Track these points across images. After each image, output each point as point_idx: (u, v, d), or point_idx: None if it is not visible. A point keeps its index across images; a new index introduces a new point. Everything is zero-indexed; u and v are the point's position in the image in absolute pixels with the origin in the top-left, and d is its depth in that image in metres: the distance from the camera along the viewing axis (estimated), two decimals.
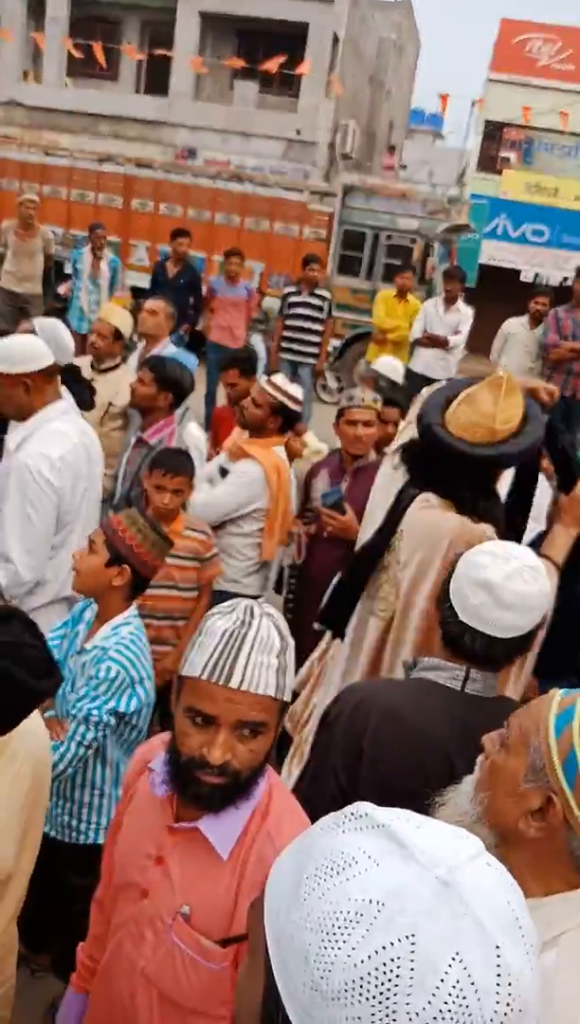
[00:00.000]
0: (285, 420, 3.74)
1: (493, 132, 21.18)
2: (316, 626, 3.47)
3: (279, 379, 3.78)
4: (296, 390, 3.80)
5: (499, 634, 1.68)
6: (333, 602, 2.69)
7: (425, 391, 2.54)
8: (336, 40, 19.29)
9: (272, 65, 15.31)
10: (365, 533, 2.59)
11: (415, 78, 30.51)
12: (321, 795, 1.73)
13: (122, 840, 1.53)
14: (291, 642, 1.36)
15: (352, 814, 0.72)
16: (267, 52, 19.00)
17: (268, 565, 3.94)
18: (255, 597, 3.75)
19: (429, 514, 2.30)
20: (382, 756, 1.71)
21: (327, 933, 0.63)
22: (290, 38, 18.97)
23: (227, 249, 8.97)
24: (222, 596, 3.59)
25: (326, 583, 3.41)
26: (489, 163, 21.35)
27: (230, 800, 1.35)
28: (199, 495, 3.63)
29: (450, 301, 8.66)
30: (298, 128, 18.97)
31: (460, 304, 8.67)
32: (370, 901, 0.63)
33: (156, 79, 20.12)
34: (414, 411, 2.50)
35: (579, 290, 7.20)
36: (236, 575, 3.78)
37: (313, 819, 1.53)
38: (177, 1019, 1.41)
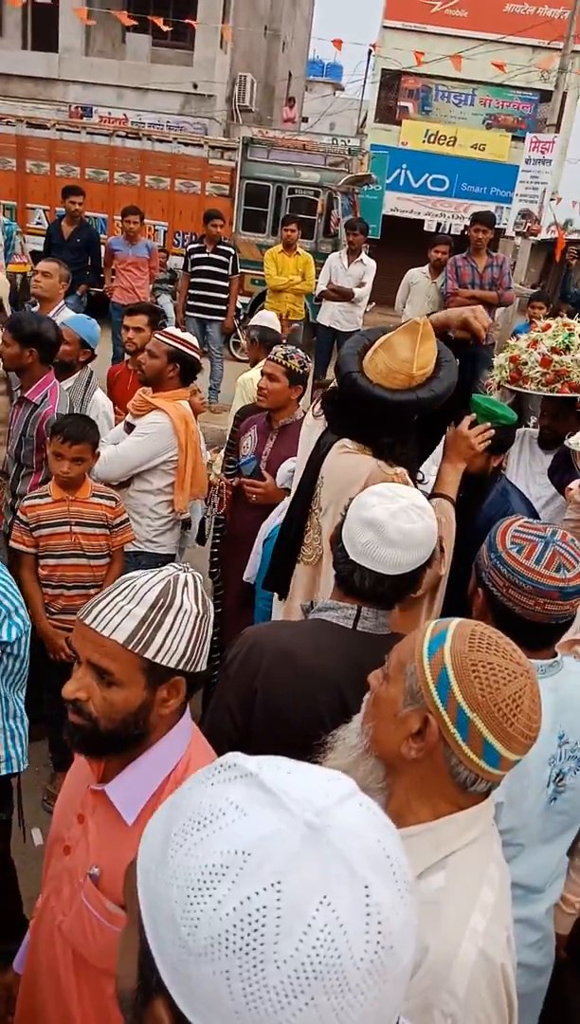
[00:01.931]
0: (185, 369, 3.71)
1: (390, 81, 21.18)
2: (246, 577, 3.57)
3: (171, 328, 3.78)
4: (190, 337, 3.79)
5: (386, 571, 1.73)
6: (274, 563, 2.68)
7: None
8: None
9: (160, 20, 14.90)
10: (296, 484, 2.62)
11: (311, 28, 30.05)
12: (217, 735, 1.74)
13: (61, 795, 1.57)
14: (206, 611, 1.37)
15: (221, 765, 0.71)
16: (158, 3, 18.50)
17: (182, 522, 3.95)
18: (171, 556, 3.87)
19: (347, 458, 2.34)
20: (275, 695, 1.74)
21: (193, 888, 0.63)
22: None
23: (124, 208, 8.82)
24: (137, 557, 3.66)
25: (250, 535, 3.52)
26: (388, 113, 21.40)
27: (95, 749, 1.37)
28: (104, 452, 3.60)
29: (353, 253, 8.75)
30: (195, 82, 18.57)
31: (364, 256, 8.77)
32: (236, 852, 0.63)
33: (44, 35, 19.33)
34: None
35: (474, 237, 7.37)
36: (150, 535, 3.76)
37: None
38: (91, 978, 1.42)
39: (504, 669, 1.15)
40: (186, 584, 1.35)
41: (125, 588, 1.32)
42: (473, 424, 2.51)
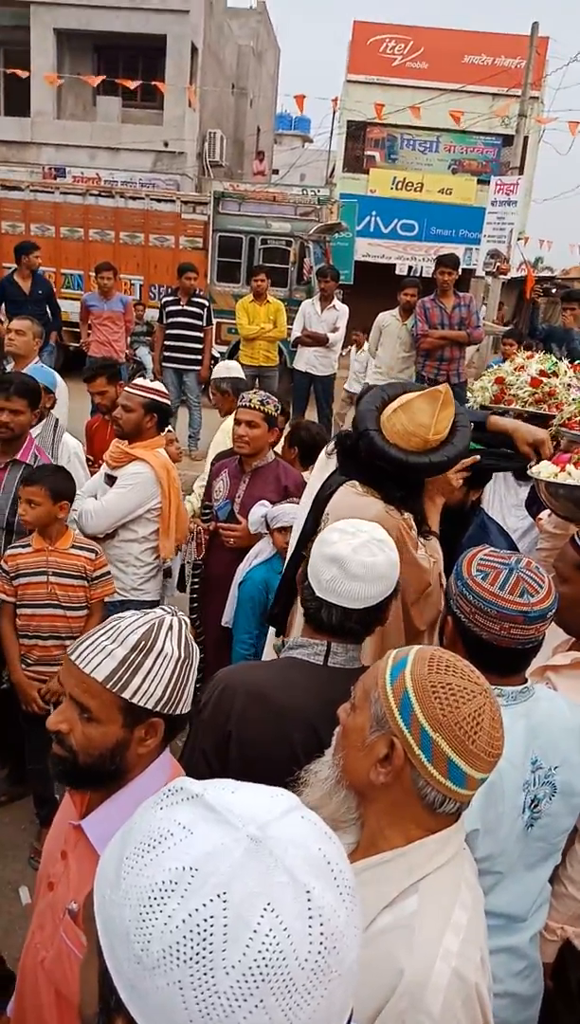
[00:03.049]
0: (161, 418, 3.78)
1: (356, 132, 21.82)
2: (223, 622, 3.58)
3: (140, 380, 3.83)
4: (158, 385, 3.85)
5: (352, 605, 1.75)
6: (278, 599, 2.69)
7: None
8: (194, 50, 19.47)
9: (130, 82, 15.36)
10: (302, 521, 2.63)
11: (277, 84, 30.96)
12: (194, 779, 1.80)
13: (49, 834, 1.60)
14: (188, 656, 1.39)
15: (169, 790, 0.74)
16: (127, 66, 19.08)
17: (165, 569, 3.96)
18: (156, 602, 3.88)
19: (355, 499, 2.36)
20: (249, 737, 1.74)
21: (144, 906, 0.65)
22: (149, 51, 19.07)
23: (97, 264, 8.97)
24: (123, 606, 3.60)
25: (227, 579, 3.54)
26: (355, 163, 21.99)
27: (74, 781, 1.42)
28: (86, 504, 3.63)
29: (326, 299, 8.93)
30: (165, 140, 19.06)
31: (337, 302, 8.95)
32: (184, 868, 0.65)
33: (16, 100, 19.86)
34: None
35: (440, 280, 7.53)
36: (136, 583, 3.76)
37: None
38: (72, 1016, 1.39)
39: (463, 689, 1.18)
40: (170, 628, 1.37)
41: (110, 628, 1.36)
42: None
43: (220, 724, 1.77)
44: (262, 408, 3.63)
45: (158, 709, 1.35)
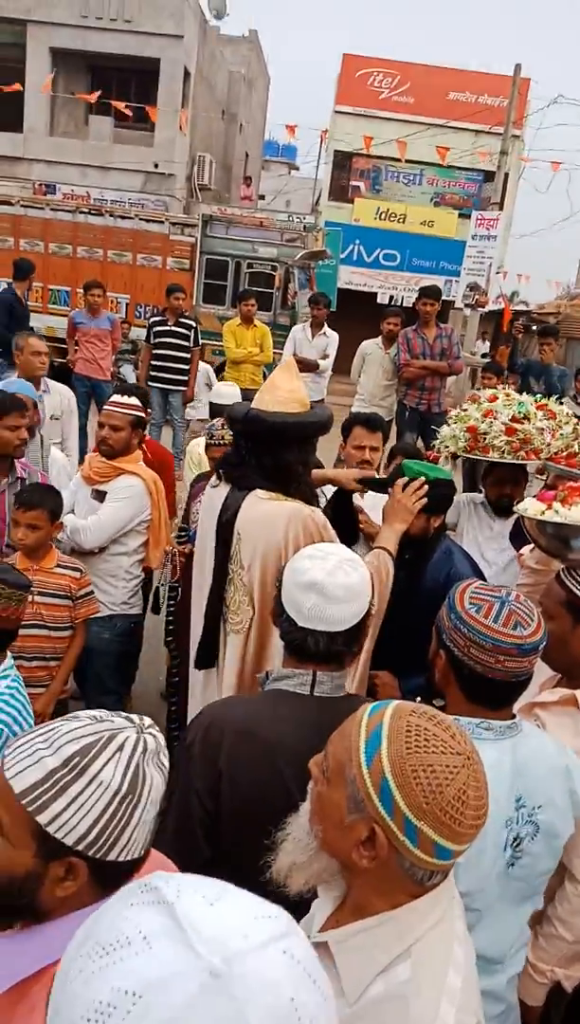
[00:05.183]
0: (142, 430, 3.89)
1: (342, 162, 22.13)
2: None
3: (117, 398, 3.83)
4: (133, 400, 3.85)
5: (337, 628, 1.76)
6: (202, 639, 2.65)
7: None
8: (187, 75, 19.70)
9: (122, 104, 15.52)
10: (204, 563, 2.63)
11: (267, 111, 31.35)
12: (187, 823, 1.71)
13: None
14: (133, 791, 1.07)
15: (144, 885, 0.67)
16: (120, 87, 19.24)
17: (147, 583, 3.98)
18: (141, 616, 3.91)
19: (263, 505, 2.43)
20: (240, 773, 1.71)
21: (84, 1021, 0.59)
22: (142, 73, 19.26)
23: (86, 282, 9.03)
24: (112, 620, 3.69)
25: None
26: (341, 192, 22.29)
27: None
28: (80, 521, 3.63)
29: (317, 326, 8.98)
30: (155, 161, 19.22)
31: (327, 329, 9.02)
32: (127, 992, 0.58)
33: (9, 115, 19.93)
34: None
35: (422, 311, 7.67)
36: (125, 596, 3.78)
37: (183, 851, 1.56)
38: None
39: (445, 768, 1.11)
40: (120, 748, 1.06)
41: (50, 730, 1.08)
42: (405, 487, 2.65)
43: (210, 764, 1.74)
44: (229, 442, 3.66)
45: (79, 848, 1.04)
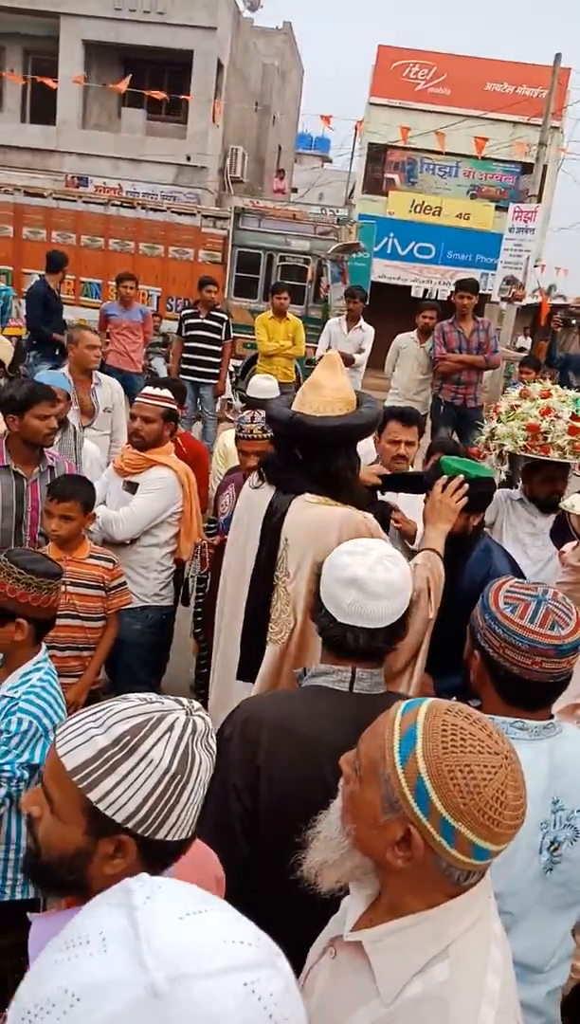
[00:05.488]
0: (175, 422, 3.88)
1: (377, 154, 21.99)
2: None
3: (149, 390, 3.86)
4: (165, 392, 3.87)
5: (378, 624, 1.73)
6: (243, 648, 2.57)
7: None
8: (220, 67, 19.66)
9: (157, 93, 15.52)
10: (245, 564, 2.54)
11: (300, 103, 31.22)
12: (225, 818, 1.69)
13: None
14: (182, 772, 1.08)
15: (124, 886, 0.66)
16: (153, 80, 19.26)
17: (178, 575, 3.99)
18: (173, 608, 3.92)
19: (312, 510, 2.34)
20: (279, 770, 1.70)
21: (27, 1012, 0.59)
22: (175, 65, 19.27)
23: (119, 274, 9.02)
24: (144, 612, 3.71)
25: None
26: (374, 184, 22.15)
27: (35, 879, 1.18)
28: (113, 512, 3.64)
29: (352, 320, 8.90)
30: (188, 154, 19.23)
31: (363, 323, 8.94)
32: (67, 991, 0.58)
33: (42, 108, 20.07)
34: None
35: (460, 304, 7.57)
36: (157, 588, 3.79)
37: (222, 846, 1.54)
38: None
39: (482, 768, 1.09)
40: (170, 728, 1.07)
41: (101, 710, 1.09)
42: (445, 486, 2.59)
43: (249, 759, 1.72)
44: (265, 436, 3.63)
45: (128, 826, 1.05)
